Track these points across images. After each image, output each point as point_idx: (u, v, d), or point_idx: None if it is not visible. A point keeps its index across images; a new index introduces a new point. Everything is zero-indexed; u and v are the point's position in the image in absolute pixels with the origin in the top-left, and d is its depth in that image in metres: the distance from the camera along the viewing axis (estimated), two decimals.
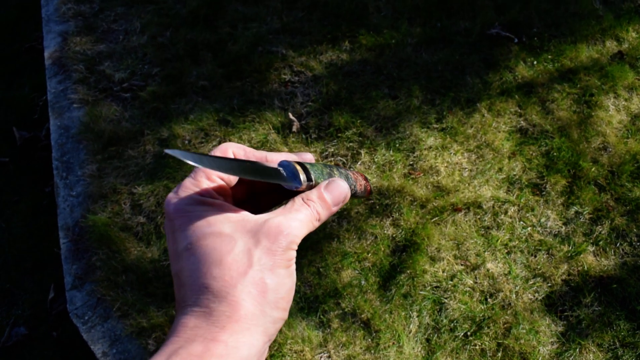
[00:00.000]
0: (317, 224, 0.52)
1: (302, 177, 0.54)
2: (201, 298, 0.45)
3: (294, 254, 0.49)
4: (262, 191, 0.60)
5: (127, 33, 3.22)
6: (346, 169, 0.62)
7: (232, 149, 0.55)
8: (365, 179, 0.65)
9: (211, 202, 0.50)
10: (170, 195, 0.51)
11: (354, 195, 0.62)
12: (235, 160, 0.51)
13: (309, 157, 0.60)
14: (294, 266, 0.50)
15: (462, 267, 2.20)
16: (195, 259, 0.47)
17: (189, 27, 3.19)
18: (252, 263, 0.46)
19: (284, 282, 0.47)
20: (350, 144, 2.59)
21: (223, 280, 0.45)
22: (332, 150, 2.57)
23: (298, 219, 0.50)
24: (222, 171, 0.48)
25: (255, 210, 0.53)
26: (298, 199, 0.52)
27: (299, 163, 0.55)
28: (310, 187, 0.54)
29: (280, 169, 0.54)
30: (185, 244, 0.48)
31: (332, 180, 0.55)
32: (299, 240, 0.49)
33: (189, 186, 0.51)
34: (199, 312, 0.45)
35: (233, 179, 0.54)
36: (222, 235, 0.47)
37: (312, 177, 0.54)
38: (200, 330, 0.44)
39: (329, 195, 0.54)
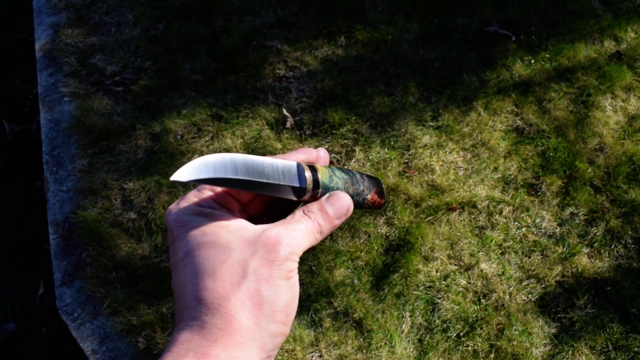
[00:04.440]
0: (318, 237, 0.51)
1: (307, 174, 0.52)
2: (194, 311, 0.43)
3: (295, 265, 0.47)
4: (278, 207, 0.58)
5: (119, 25, 3.17)
6: (361, 176, 0.60)
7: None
8: (379, 188, 0.62)
9: (210, 212, 0.48)
10: (171, 206, 0.50)
11: (361, 204, 0.59)
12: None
13: (322, 153, 0.58)
14: (295, 278, 0.47)
15: (456, 267, 2.19)
16: (190, 270, 0.45)
17: (182, 20, 3.15)
18: (247, 274, 0.44)
19: (282, 293, 0.45)
20: (345, 141, 2.57)
21: (216, 292, 0.43)
22: (327, 147, 2.54)
23: (298, 229, 0.48)
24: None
25: None
26: (298, 211, 0.51)
27: (311, 168, 0.53)
28: (314, 197, 0.53)
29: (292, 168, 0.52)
30: (181, 255, 0.46)
31: (334, 192, 0.53)
32: (299, 252, 0.47)
33: (191, 198, 0.50)
34: (192, 326, 0.43)
35: (246, 195, 0.53)
36: (217, 244, 0.45)
37: (320, 186, 0.53)
38: (192, 345, 0.41)
39: (330, 207, 0.52)
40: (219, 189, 0.51)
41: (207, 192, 0.50)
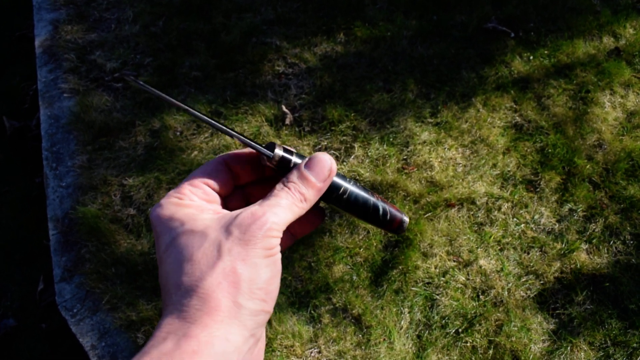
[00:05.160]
0: (304, 206, 0.50)
1: (278, 150, 0.51)
2: (175, 296, 0.44)
3: (275, 242, 0.46)
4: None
5: (119, 22, 3.17)
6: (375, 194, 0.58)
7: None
8: (398, 210, 0.59)
9: (188, 204, 0.49)
10: (155, 205, 0.50)
11: (375, 214, 0.57)
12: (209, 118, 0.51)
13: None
14: (277, 256, 0.47)
15: (455, 263, 2.19)
16: (171, 260, 0.45)
17: (182, 17, 3.15)
18: (222, 254, 0.44)
19: (260, 271, 0.45)
20: (344, 137, 2.57)
21: (194, 275, 0.44)
22: (326, 143, 2.55)
23: (278, 204, 0.48)
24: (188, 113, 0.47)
25: None
26: (278, 185, 0.50)
27: (287, 149, 0.53)
28: (285, 164, 0.52)
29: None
30: (164, 248, 0.47)
31: (313, 155, 0.52)
32: (279, 227, 0.47)
33: (172, 194, 0.50)
34: (173, 310, 0.43)
35: (224, 189, 0.53)
36: (194, 232, 0.46)
37: (294, 157, 0.52)
38: (172, 327, 0.42)
39: (310, 172, 0.51)
40: (196, 181, 0.52)
41: (188, 187, 0.50)
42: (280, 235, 0.47)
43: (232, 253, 0.44)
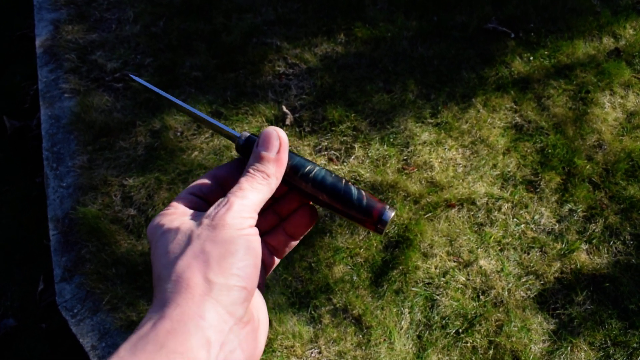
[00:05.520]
0: (270, 181, 0.52)
1: (245, 132, 0.57)
2: (156, 289, 0.45)
3: (246, 222, 0.48)
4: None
5: (119, 22, 3.18)
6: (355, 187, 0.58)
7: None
8: (380, 201, 0.56)
9: (173, 212, 0.52)
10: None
11: (347, 197, 0.55)
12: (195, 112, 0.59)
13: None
14: (251, 237, 0.48)
15: (455, 263, 2.19)
16: (155, 259, 0.48)
17: (182, 17, 3.15)
18: (192, 240, 0.46)
19: (230, 247, 0.46)
20: (344, 138, 2.57)
21: (168, 264, 0.46)
22: (326, 144, 2.55)
23: (239, 189, 0.50)
24: (179, 110, 0.54)
25: None
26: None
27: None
28: (252, 145, 0.56)
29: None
30: (152, 253, 0.50)
31: (260, 134, 0.55)
32: (247, 208, 0.49)
33: (162, 210, 0.54)
34: (153, 300, 0.45)
35: (212, 197, 0.56)
36: (170, 229, 0.49)
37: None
38: (152, 314, 0.43)
39: (261, 148, 0.54)
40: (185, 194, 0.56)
41: (175, 200, 0.54)
42: (252, 215, 0.49)
43: (202, 237, 0.46)
